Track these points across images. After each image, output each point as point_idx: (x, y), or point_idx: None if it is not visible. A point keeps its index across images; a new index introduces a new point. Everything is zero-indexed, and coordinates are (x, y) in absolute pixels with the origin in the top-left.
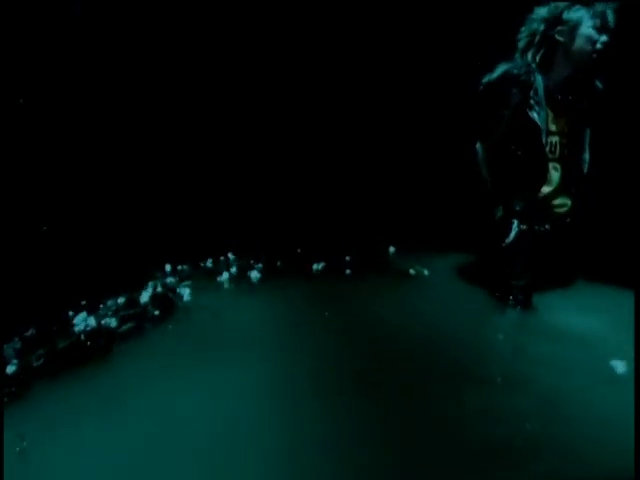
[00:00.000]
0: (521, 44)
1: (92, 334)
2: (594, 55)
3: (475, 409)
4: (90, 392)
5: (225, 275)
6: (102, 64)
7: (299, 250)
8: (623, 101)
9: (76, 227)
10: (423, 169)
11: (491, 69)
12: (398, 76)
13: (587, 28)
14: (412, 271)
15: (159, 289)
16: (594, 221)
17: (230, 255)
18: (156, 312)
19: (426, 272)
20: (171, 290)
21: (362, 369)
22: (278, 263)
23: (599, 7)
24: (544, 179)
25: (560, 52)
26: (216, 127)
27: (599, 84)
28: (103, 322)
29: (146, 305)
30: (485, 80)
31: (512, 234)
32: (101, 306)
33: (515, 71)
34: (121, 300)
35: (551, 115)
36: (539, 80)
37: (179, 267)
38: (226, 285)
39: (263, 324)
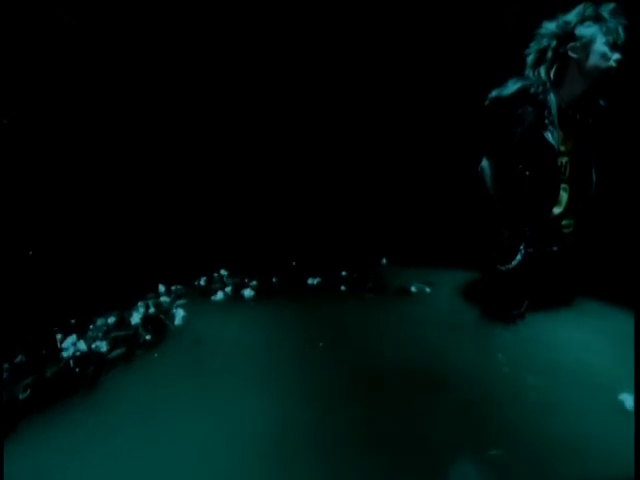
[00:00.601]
0: (530, 59)
1: (81, 360)
2: (608, 72)
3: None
4: (78, 429)
5: (219, 294)
6: (101, 66)
7: (294, 263)
8: (627, 119)
9: (66, 242)
10: (424, 182)
11: (498, 82)
12: (400, 85)
13: (601, 45)
14: (413, 288)
15: (151, 309)
16: (597, 241)
17: (223, 272)
18: (147, 336)
19: (428, 289)
20: (163, 311)
21: (361, 397)
22: (273, 279)
23: (611, 23)
24: (556, 201)
25: (574, 69)
26: (207, 142)
27: (604, 102)
28: (93, 346)
29: (137, 327)
30: (495, 95)
31: (518, 257)
32: (91, 326)
33: (532, 90)
34: (112, 319)
35: (562, 135)
36: (552, 99)
37: (172, 287)
38: (220, 305)
39: (257, 351)
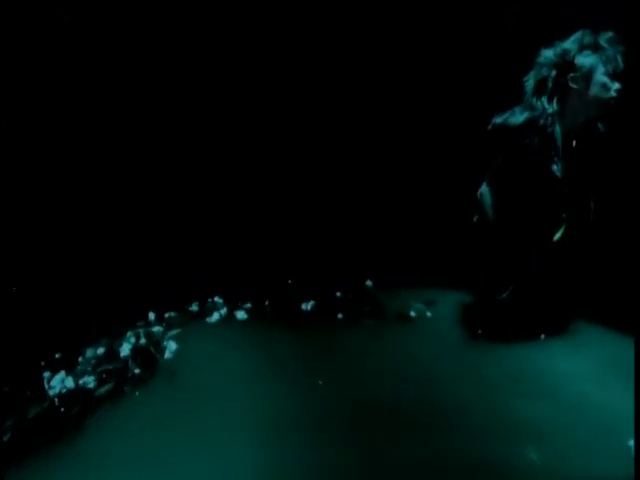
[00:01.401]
0: (530, 88)
1: (67, 398)
2: (610, 102)
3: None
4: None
5: (213, 319)
6: (101, 66)
7: (289, 281)
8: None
9: (52, 267)
10: (420, 203)
11: (498, 108)
12: (394, 104)
13: (601, 75)
14: (413, 313)
15: (142, 340)
16: (596, 264)
17: (217, 299)
18: (137, 370)
19: (429, 314)
20: (154, 343)
21: (361, 440)
22: (266, 302)
23: (610, 52)
24: (556, 231)
25: (575, 99)
26: (197, 160)
27: (604, 128)
28: (81, 382)
29: (127, 359)
30: (500, 122)
31: (512, 286)
32: (80, 358)
33: (541, 122)
34: (101, 350)
35: (565, 165)
36: (558, 130)
37: (165, 314)
38: (213, 333)
39: (252, 388)
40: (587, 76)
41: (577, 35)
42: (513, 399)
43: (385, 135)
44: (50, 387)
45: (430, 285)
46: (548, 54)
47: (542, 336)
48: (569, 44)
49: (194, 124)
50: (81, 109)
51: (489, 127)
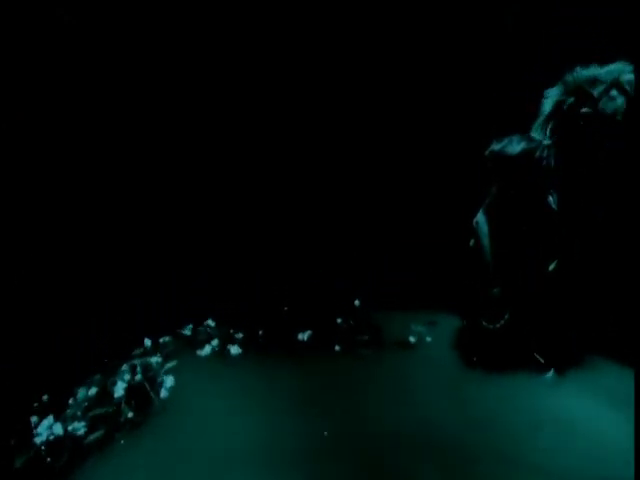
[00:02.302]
0: (547, 104)
1: (55, 446)
2: (615, 149)
3: None
4: None
5: (206, 349)
6: (101, 66)
7: (285, 308)
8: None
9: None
10: (417, 225)
11: (497, 133)
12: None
13: (615, 123)
14: (412, 339)
15: (137, 376)
16: (591, 296)
17: (210, 322)
18: (130, 414)
19: (429, 339)
20: (150, 379)
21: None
22: (260, 332)
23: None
24: (551, 261)
25: (581, 136)
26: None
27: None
28: (70, 428)
29: (120, 401)
30: (497, 150)
31: (507, 316)
32: (71, 400)
33: (537, 153)
34: (93, 390)
35: (560, 195)
36: (555, 163)
37: (160, 339)
38: (207, 367)
39: (248, 432)
40: (602, 120)
41: (615, 67)
42: (513, 432)
43: (383, 155)
44: (37, 434)
45: (428, 307)
46: (577, 76)
47: (539, 367)
48: (604, 73)
49: (194, 125)
50: (81, 109)
51: (486, 153)
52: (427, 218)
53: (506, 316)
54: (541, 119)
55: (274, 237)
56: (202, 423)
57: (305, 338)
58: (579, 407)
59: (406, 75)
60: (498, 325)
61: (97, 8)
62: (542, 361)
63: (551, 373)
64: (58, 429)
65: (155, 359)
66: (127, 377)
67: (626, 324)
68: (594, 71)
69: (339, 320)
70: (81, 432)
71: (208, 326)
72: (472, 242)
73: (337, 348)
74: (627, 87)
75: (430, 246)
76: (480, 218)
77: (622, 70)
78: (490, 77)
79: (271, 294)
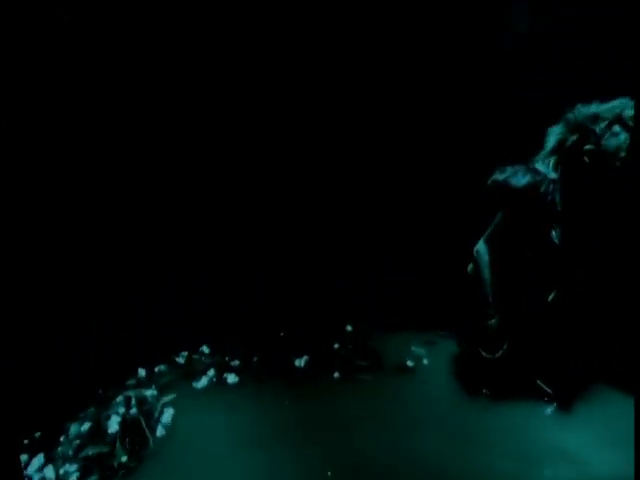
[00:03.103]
0: (550, 142)
1: None
2: (618, 185)
3: None
4: None
5: (202, 380)
6: (101, 66)
7: (281, 334)
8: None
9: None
10: (414, 250)
11: (498, 160)
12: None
13: (619, 161)
14: (410, 362)
15: (132, 410)
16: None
17: (205, 348)
18: (123, 458)
19: (425, 361)
20: (146, 413)
21: None
22: (256, 358)
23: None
24: (551, 292)
25: (584, 173)
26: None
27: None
28: (62, 472)
29: (114, 439)
30: (501, 181)
31: (505, 347)
32: (62, 438)
33: (543, 188)
34: (86, 426)
35: (563, 230)
36: (559, 198)
37: (155, 368)
38: (204, 399)
39: (248, 467)
40: (605, 157)
41: (617, 103)
42: (513, 466)
43: (382, 177)
44: (27, 475)
45: (426, 327)
46: (579, 114)
47: (540, 397)
48: (605, 110)
49: (194, 125)
50: (81, 109)
51: (489, 182)
52: (426, 239)
53: (504, 346)
54: (544, 154)
55: (268, 260)
56: (199, 465)
57: (302, 364)
58: (581, 439)
59: (410, 83)
60: (497, 355)
61: (97, 8)
62: (548, 390)
63: (552, 403)
64: (50, 473)
65: (150, 391)
66: (122, 411)
67: (626, 352)
68: (595, 108)
69: (336, 345)
70: (73, 478)
71: (203, 353)
72: (470, 268)
73: (335, 375)
74: (630, 122)
75: (429, 268)
76: (481, 247)
77: (624, 106)
78: (493, 102)
79: (267, 318)
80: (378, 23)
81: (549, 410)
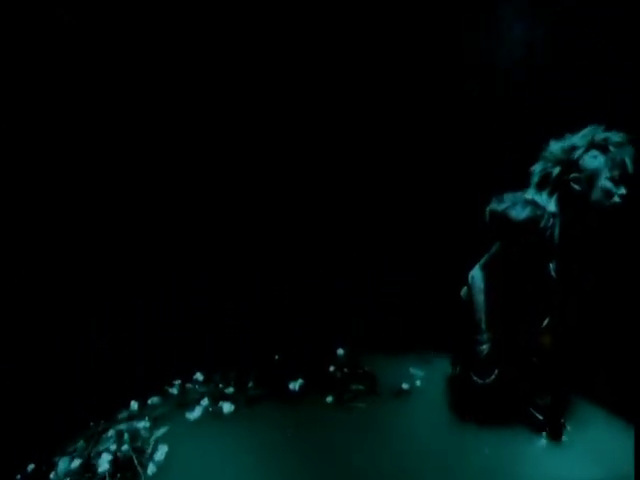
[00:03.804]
0: (535, 180)
1: None
2: (611, 209)
3: None
4: None
5: (196, 411)
6: (101, 66)
7: (276, 357)
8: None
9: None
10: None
11: (493, 188)
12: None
13: (605, 180)
14: (405, 385)
15: (124, 446)
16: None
17: (199, 375)
18: None
19: (418, 382)
20: (138, 450)
21: None
22: (250, 384)
23: (617, 154)
24: (544, 320)
25: (576, 200)
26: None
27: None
28: None
29: (104, 477)
30: (500, 211)
31: (496, 372)
32: (52, 475)
33: (542, 223)
34: (76, 463)
35: (560, 262)
36: (557, 231)
37: (148, 400)
38: (198, 432)
39: None
40: (590, 179)
41: (588, 131)
42: None
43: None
44: None
45: (421, 347)
46: (555, 148)
47: (533, 424)
48: (578, 139)
49: (193, 125)
50: (81, 109)
51: (487, 212)
52: (423, 253)
53: (495, 372)
54: (532, 190)
55: (259, 274)
56: None
57: (297, 388)
58: (574, 468)
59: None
60: (488, 381)
61: (97, 8)
62: (539, 417)
63: (543, 430)
64: None
65: (143, 424)
66: (113, 447)
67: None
68: (569, 140)
69: (332, 368)
70: None
71: (197, 381)
72: (464, 293)
73: (330, 399)
74: (603, 143)
75: (424, 287)
76: (476, 273)
77: (594, 132)
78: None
79: (260, 339)
80: (375, 30)
81: (540, 436)
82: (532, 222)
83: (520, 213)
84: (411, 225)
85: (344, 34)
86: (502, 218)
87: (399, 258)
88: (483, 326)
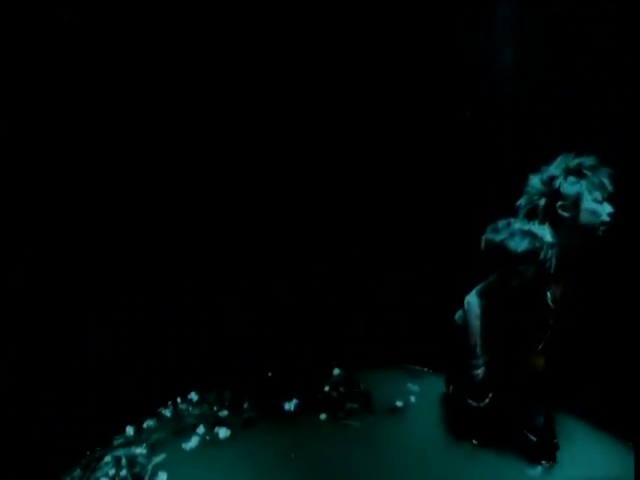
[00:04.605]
0: (523, 213)
1: None
2: (602, 227)
3: None
4: None
5: (194, 441)
6: (101, 66)
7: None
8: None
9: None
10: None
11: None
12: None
13: (589, 202)
14: (399, 403)
15: (122, 472)
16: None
17: (194, 396)
18: None
19: (413, 399)
20: (135, 476)
21: None
22: (245, 405)
23: (594, 177)
24: (537, 346)
25: (566, 226)
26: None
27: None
28: None
29: None
30: (497, 242)
31: (488, 398)
32: None
33: (542, 255)
34: None
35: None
36: (554, 262)
37: (144, 424)
38: (195, 462)
39: None
40: (575, 204)
41: (560, 159)
42: None
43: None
44: None
45: (416, 365)
46: (535, 182)
47: (528, 447)
48: (554, 169)
49: (193, 125)
50: (81, 109)
51: (484, 241)
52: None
53: (490, 395)
54: (523, 219)
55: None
56: None
57: (292, 408)
58: None
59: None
60: (482, 404)
61: (97, 8)
62: (532, 439)
63: (537, 452)
64: None
65: (140, 450)
66: (111, 472)
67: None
68: (546, 172)
69: (327, 387)
70: None
71: (191, 402)
72: (459, 317)
73: (325, 419)
74: (578, 169)
75: (420, 305)
76: (472, 299)
77: (567, 160)
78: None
79: (255, 358)
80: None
81: (534, 457)
82: (531, 254)
83: (519, 245)
84: (409, 240)
85: (342, 37)
86: (500, 249)
87: (394, 274)
88: (478, 351)
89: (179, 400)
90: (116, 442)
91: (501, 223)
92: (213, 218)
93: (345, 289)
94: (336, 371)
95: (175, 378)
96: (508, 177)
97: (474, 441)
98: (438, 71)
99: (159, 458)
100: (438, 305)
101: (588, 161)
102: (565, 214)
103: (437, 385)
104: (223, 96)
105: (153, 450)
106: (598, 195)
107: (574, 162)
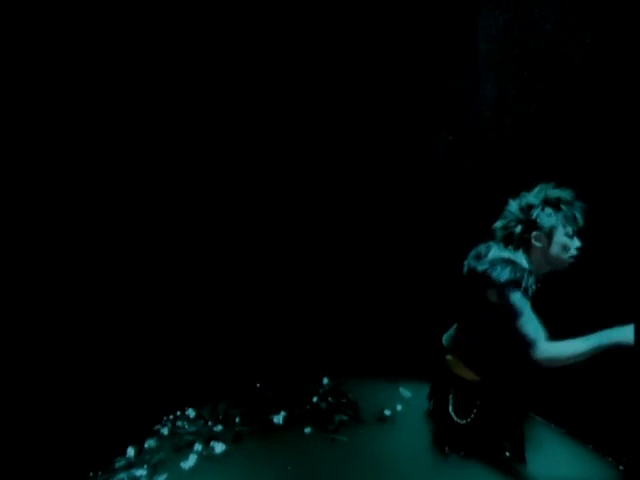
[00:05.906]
0: (499, 236)
1: None
2: (570, 260)
3: None
4: None
5: (192, 460)
6: (101, 66)
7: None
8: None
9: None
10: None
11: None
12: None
13: (561, 236)
14: (387, 412)
15: None
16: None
17: (191, 412)
18: None
19: (399, 407)
20: None
21: None
22: (236, 419)
23: (568, 211)
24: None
25: (538, 255)
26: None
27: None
28: None
29: None
30: (480, 271)
31: (473, 414)
32: None
33: (524, 283)
34: None
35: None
36: (534, 288)
37: (145, 445)
38: (196, 477)
39: None
40: (548, 236)
41: (539, 188)
42: None
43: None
44: None
45: (405, 376)
46: (514, 208)
47: (512, 460)
48: (532, 198)
49: (193, 128)
50: (81, 109)
51: (466, 269)
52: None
53: (474, 412)
54: (499, 244)
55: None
56: None
57: (280, 421)
58: None
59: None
60: (467, 421)
61: (97, 8)
62: (509, 447)
63: (517, 463)
64: None
65: (141, 472)
66: None
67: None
68: (525, 199)
69: (315, 399)
70: None
71: (187, 419)
72: (445, 339)
73: (313, 431)
74: (555, 202)
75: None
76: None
77: (545, 189)
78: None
79: (242, 367)
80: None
81: (511, 463)
82: (514, 282)
83: (501, 274)
84: (396, 254)
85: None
86: (483, 278)
87: (381, 286)
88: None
89: (177, 414)
90: (117, 464)
91: (482, 248)
92: (197, 239)
93: (333, 301)
94: (325, 381)
95: (169, 392)
96: (486, 198)
97: (457, 452)
98: (425, 99)
99: (161, 478)
100: (426, 316)
101: (565, 195)
102: (538, 244)
103: (425, 393)
104: (223, 97)
105: (154, 471)
106: (569, 230)
107: (553, 194)
